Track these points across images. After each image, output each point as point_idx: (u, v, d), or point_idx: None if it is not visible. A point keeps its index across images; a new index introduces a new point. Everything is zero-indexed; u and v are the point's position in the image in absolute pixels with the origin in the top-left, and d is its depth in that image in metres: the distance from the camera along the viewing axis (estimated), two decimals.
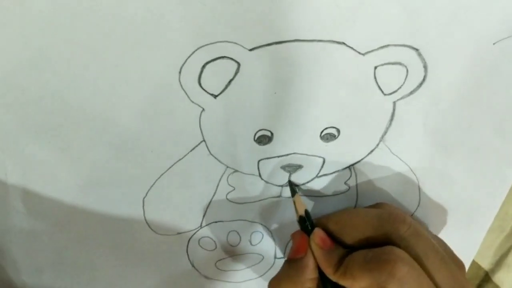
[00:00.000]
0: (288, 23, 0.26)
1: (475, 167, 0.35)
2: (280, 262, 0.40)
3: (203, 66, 0.27)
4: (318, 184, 0.35)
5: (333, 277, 0.29)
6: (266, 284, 0.41)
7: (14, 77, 0.27)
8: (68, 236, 0.35)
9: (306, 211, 0.32)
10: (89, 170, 0.31)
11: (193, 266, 0.38)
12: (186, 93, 0.28)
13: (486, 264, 0.42)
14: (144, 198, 0.33)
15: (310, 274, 0.30)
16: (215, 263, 0.39)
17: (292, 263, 0.31)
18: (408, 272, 0.25)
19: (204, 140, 0.31)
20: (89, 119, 0.29)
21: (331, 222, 0.31)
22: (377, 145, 0.33)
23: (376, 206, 0.34)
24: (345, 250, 0.29)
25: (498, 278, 0.41)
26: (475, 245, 0.39)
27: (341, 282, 0.28)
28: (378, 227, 0.28)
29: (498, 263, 0.41)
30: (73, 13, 0.25)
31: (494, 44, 0.28)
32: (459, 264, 0.31)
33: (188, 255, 0.38)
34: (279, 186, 0.35)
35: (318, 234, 0.30)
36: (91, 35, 0.25)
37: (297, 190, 0.34)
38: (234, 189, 0.34)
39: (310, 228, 0.31)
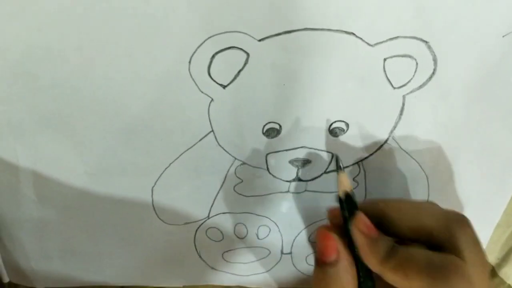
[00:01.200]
0: (298, 12, 0.26)
1: (484, 162, 0.34)
2: (286, 258, 0.40)
3: (213, 56, 0.28)
4: (326, 180, 0.35)
5: (377, 268, 0.26)
6: (271, 279, 0.41)
7: (26, 66, 0.27)
8: (77, 224, 0.35)
9: (353, 193, 0.29)
10: (99, 159, 0.32)
11: (200, 256, 0.39)
12: (195, 83, 0.29)
13: (492, 259, 0.42)
14: (152, 187, 0.33)
15: (350, 279, 0.27)
16: (222, 254, 0.39)
17: (325, 268, 0.28)
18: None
19: (212, 131, 0.31)
20: (99, 108, 0.29)
21: (390, 207, 0.28)
22: (386, 140, 0.33)
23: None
24: (393, 241, 0.27)
25: (504, 273, 0.41)
26: (483, 241, 0.39)
27: (388, 275, 0.26)
28: (444, 226, 0.26)
29: (505, 258, 0.41)
30: (85, 3, 0.25)
31: (503, 37, 0.28)
32: None
33: (195, 245, 0.38)
34: (286, 181, 0.35)
35: (362, 219, 0.28)
36: (102, 25, 0.26)
37: (343, 167, 0.31)
38: (242, 181, 0.34)
39: (348, 214, 0.29)
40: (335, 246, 0.28)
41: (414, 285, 0.25)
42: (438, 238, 0.27)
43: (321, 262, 0.28)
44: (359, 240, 0.27)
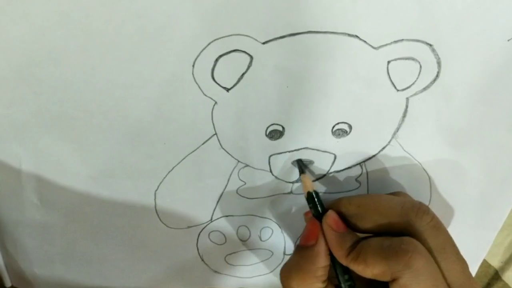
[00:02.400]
0: (301, 14, 0.26)
1: (487, 165, 0.34)
2: None
3: (216, 60, 0.28)
4: (329, 181, 0.35)
5: (344, 261, 0.28)
6: (275, 280, 0.41)
7: (30, 69, 0.27)
8: (79, 228, 0.35)
9: (316, 193, 0.32)
10: (102, 163, 0.32)
11: (202, 260, 0.39)
12: (199, 86, 0.29)
13: (496, 262, 0.42)
14: (155, 191, 0.33)
15: (321, 262, 0.29)
16: (225, 257, 0.39)
17: (303, 251, 0.30)
18: (424, 265, 0.25)
19: (216, 134, 0.31)
20: (102, 111, 0.29)
21: (352, 204, 0.30)
22: (389, 141, 0.33)
23: (393, 194, 0.34)
24: (358, 236, 0.29)
25: (508, 276, 0.41)
26: (487, 244, 0.39)
27: (352, 266, 0.28)
28: (401, 215, 0.28)
29: (508, 262, 0.41)
30: (88, 7, 0.25)
31: (508, 40, 0.28)
32: None
33: (198, 248, 0.38)
34: (289, 182, 0.35)
35: (331, 216, 0.30)
36: (106, 28, 0.26)
37: (304, 170, 0.33)
38: (245, 183, 0.34)
39: (321, 211, 0.31)
40: (317, 232, 0.30)
41: (375, 271, 0.26)
42: (397, 228, 0.28)
43: (301, 246, 0.31)
44: (328, 234, 0.30)
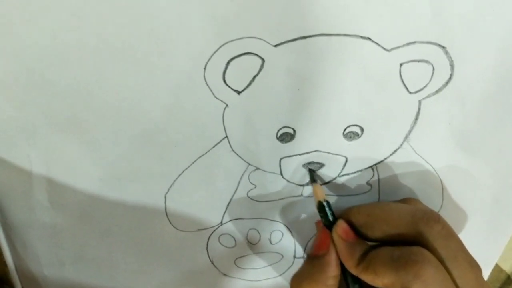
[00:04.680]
0: (314, 17, 0.26)
1: (500, 169, 0.34)
2: (299, 262, 0.40)
3: (228, 62, 0.27)
4: (339, 184, 0.35)
5: (354, 271, 0.28)
6: (284, 283, 0.41)
7: (41, 71, 0.27)
8: (89, 231, 0.35)
9: (328, 202, 0.32)
10: (112, 165, 0.32)
11: (212, 263, 0.38)
12: (210, 89, 0.28)
13: (508, 267, 0.41)
14: (166, 194, 0.33)
15: (332, 271, 0.29)
16: (235, 261, 0.39)
17: (314, 260, 0.30)
18: (433, 275, 0.25)
19: (226, 136, 0.31)
20: (114, 114, 0.29)
21: (361, 214, 0.30)
22: (401, 144, 0.32)
23: (404, 201, 0.34)
24: (369, 245, 0.29)
25: None
26: (499, 249, 0.39)
27: (362, 276, 0.28)
28: (411, 224, 0.28)
29: None
30: (100, 10, 0.25)
31: None
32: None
33: (208, 251, 0.38)
34: (300, 185, 0.35)
35: (341, 226, 0.30)
36: (118, 31, 0.26)
37: (316, 178, 0.34)
38: (256, 187, 0.34)
39: (331, 220, 0.31)
40: (328, 241, 0.30)
41: (385, 281, 0.26)
42: (408, 238, 0.28)
43: (312, 255, 0.31)
44: (338, 244, 0.30)
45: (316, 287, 0.29)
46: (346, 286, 0.30)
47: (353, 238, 0.30)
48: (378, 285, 0.27)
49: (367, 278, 0.27)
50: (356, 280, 0.29)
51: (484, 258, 0.33)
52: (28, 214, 0.34)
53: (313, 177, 0.33)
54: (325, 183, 0.35)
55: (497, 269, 0.41)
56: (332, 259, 0.30)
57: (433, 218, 0.28)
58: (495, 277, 0.42)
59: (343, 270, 0.30)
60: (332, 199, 0.36)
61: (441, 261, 0.26)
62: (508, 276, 0.41)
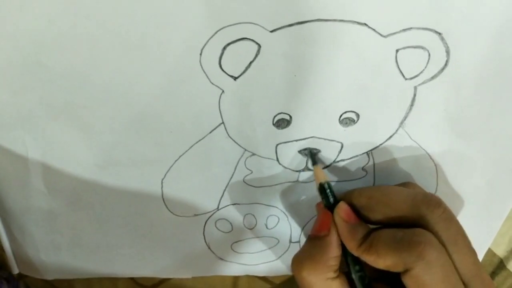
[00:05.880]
0: (310, 2, 0.26)
1: (494, 155, 0.34)
2: (295, 246, 0.40)
3: (224, 48, 0.27)
4: (335, 169, 0.35)
5: (355, 252, 0.29)
6: (280, 267, 0.41)
7: (37, 57, 0.27)
8: (86, 216, 0.35)
9: (329, 184, 0.32)
10: (109, 151, 0.32)
11: (209, 247, 0.39)
12: (206, 75, 0.28)
13: (500, 251, 0.42)
14: (162, 179, 0.33)
15: (333, 252, 0.29)
16: (231, 245, 0.39)
17: (315, 241, 0.30)
18: (436, 257, 0.25)
19: (223, 122, 0.31)
20: (109, 99, 0.29)
21: (362, 197, 0.30)
22: (397, 130, 0.33)
23: (404, 185, 0.34)
24: (370, 227, 0.29)
25: None
26: (492, 233, 0.39)
27: (364, 257, 0.28)
28: (412, 207, 0.28)
29: None
30: None
31: None
32: None
33: (204, 236, 0.38)
34: (296, 171, 0.35)
35: (343, 207, 0.30)
36: (114, 16, 0.26)
37: (317, 161, 0.34)
38: (252, 172, 0.34)
39: (332, 202, 0.31)
40: (329, 222, 0.30)
41: (388, 262, 0.27)
42: (409, 221, 0.28)
43: (313, 236, 0.31)
44: (340, 226, 0.30)
45: (317, 267, 0.29)
46: (347, 267, 0.30)
47: (355, 219, 0.30)
48: (380, 266, 0.27)
49: (369, 259, 0.28)
50: (357, 261, 0.29)
51: (478, 242, 0.33)
52: (24, 200, 0.34)
53: (314, 160, 0.33)
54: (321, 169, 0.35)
55: (490, 253, 0.42)
56: (333, 240, 0.30)
57: (435, 201, 0.28)
58: (488, 261, 0.42)
59: (344, 252, 0.30)
60: None
61: (442, 244, 0.26)
62: (501, 260, 0.42)
